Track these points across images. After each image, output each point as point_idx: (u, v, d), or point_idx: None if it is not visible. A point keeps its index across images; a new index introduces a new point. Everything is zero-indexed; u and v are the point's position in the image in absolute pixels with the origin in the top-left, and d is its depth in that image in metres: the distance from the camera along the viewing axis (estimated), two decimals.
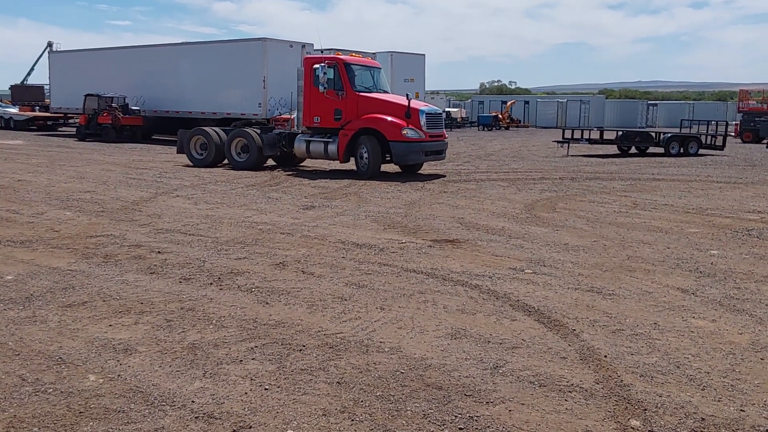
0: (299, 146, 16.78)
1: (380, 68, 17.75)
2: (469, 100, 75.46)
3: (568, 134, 26.18)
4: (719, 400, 3.87)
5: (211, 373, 4.25)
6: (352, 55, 17.31)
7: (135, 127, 28.86)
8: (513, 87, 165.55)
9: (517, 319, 5.36)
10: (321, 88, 16.15)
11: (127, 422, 3.58)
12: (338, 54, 17.08)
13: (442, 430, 3.55)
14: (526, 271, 6.92)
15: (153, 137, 30.07)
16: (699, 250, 7.92)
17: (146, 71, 29.93)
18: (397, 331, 5.07)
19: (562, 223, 9.71)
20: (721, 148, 25.73)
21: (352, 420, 3.64)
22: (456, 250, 7.93)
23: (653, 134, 26.74)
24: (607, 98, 79.26)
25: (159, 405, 3.78)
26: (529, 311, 5.57)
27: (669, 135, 26.25)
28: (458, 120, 55.20)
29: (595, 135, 27.18)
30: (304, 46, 25.40)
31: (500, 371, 4.31)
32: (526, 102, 65.93)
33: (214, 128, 18.53)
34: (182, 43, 32.60)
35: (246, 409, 3.76)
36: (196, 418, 3.64)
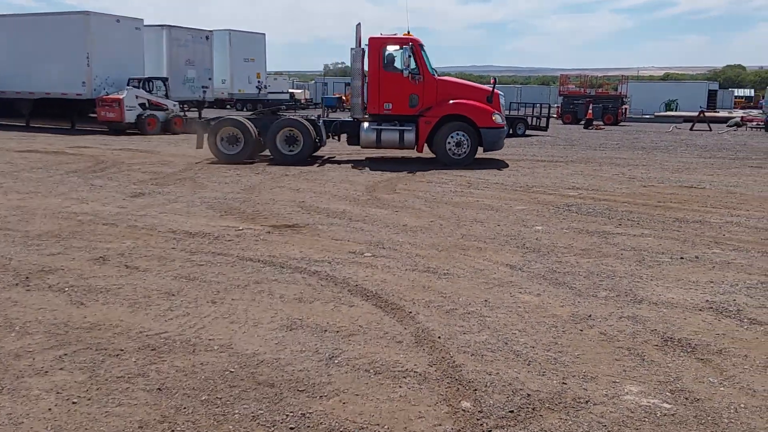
0: (368, 136, 15.23)
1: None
2: (313, 82, 75.06)
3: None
4: (543, 374, 4.01)
5: (9, 389, 3.73)
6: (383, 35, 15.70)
7: None
8: None
9: (355, 305, 5.28)
10: (405, 72, 14.95)
11: None
12: (408, 35, 15.53)
13: None
14: (365, 254, 6.87)
15: None
16: (525, 227, 8.33)
17: None
18: (228, 326, 4.78)
19: (401, 204, 9.82)
20: (545, 128, 27.65)
21: (173, 430, 3.33)
22: (296, 235, 7.72)
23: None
24: None
25: None
26: (368, 296, 5.51)
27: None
28: (302, 102, 54.70)
29: None
30: (136, 20, 23.72)
31: (336, 361, 4.18)
32: None
33: (245, 118, 15.59)
34: None
35: (49, 428, 3.32)
36: None
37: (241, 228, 8.00)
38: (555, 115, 37.58)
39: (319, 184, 11.82)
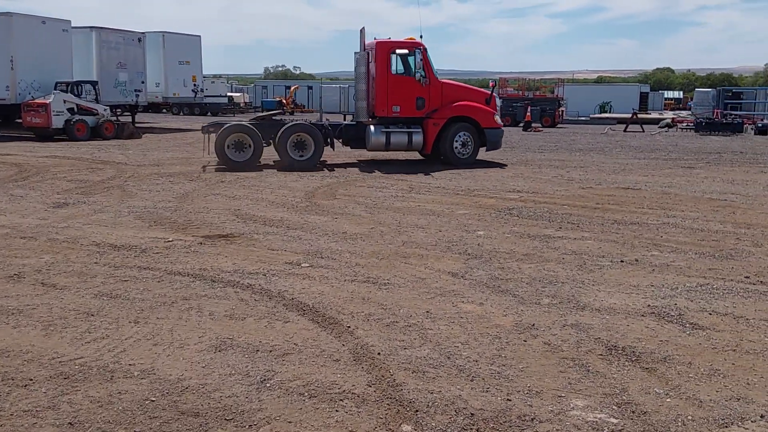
0: (378, 138, 15.36)
1: None
2: (252, 85, 74.02)
3: (349, 119, 26.43)
4: (487, 391, 3.83)
5: None
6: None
7: None
8: (297, 72, 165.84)
9: (290, 321, 4.99)
10: (417, 75, 15.36)
11: None
12: (412, 39, 15.80)
13: None
14: (302, 264, 6.59)
15: None
16: (467, 232, 8.20)
17: None
18: (151, 348, 4.43)
19: (341, 211, 9.57)
20: None
21: None
22: (229, 246, 7.37)
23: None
24: None
25: None
26: (304, 310, 5.23)
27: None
28: (241, 105, 53.83)
29: None
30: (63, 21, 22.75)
31: (268, 385, 3.89)
32: (310, 87, 66.24)
33: (249, 123, 15.20)
34: None
35: None
36: None
37: (170, 239, 7.59)
38: None
39: (256, 190, 11.44)
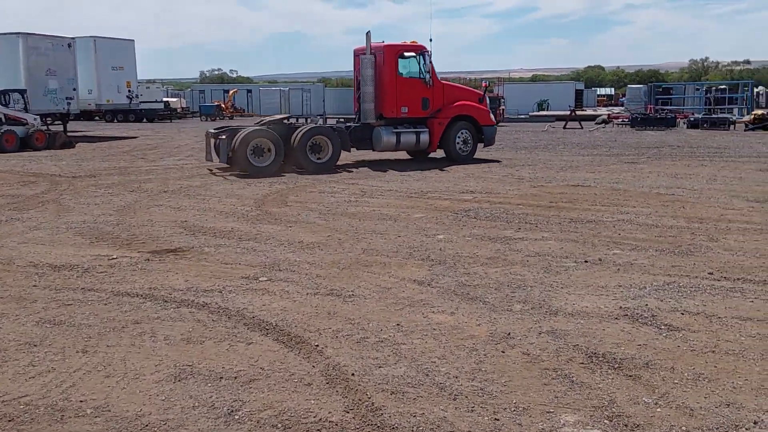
0: (389, 139, 16.00)
1: None
2: (189, 89, 72.38)
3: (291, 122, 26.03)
4: (472, 410, 3.62)
5: None
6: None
7: None
8: (234, 75, 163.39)
9: (253, 342, 4.68)
10: (427, 77, 16.25)
11: None
12: (415, 42, 16.72)
13: None
14: (260, 278, 6.26)
15: None
16: (427, 236, 8.01)
17: None
18: (103, 381, 4.05)
19: (295, 219, 9.24)
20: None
21: None
22: (179, 261, 6.96)
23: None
24: (326, 86, 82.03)
25: None
26: (267, 329, 4.92)
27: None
28: (178, 110, 52.50)
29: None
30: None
31: (236, 417, 3.59)
32: (249, 91, 65.26)
33: (268, 128, 14.94)
34: None
35: None
36: None
37: (115, 257, 7.13)
38: None
39: (202, 200, 10.98)
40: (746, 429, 3.36)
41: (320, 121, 17.51)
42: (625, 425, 3.43)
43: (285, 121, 16.01)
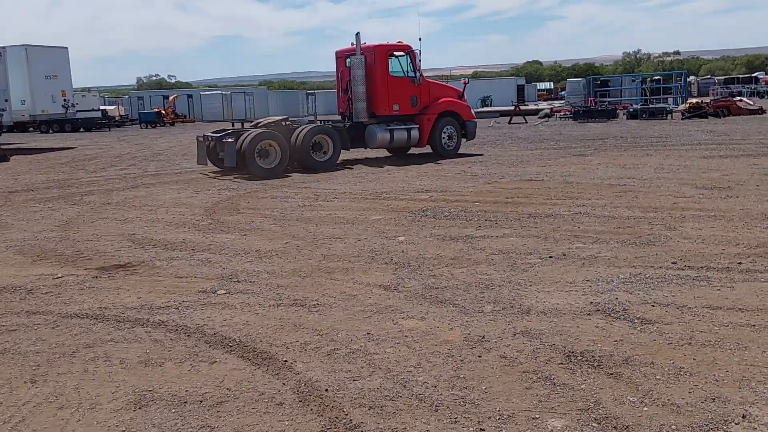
0: (383, 136, 16.54)
1: None
2: (127, 96, 70.43)
3: (237, 126, 25.56)
4: (456, 422, 3.46)
5: None
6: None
7: None
8: (173, 81, 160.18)
9: (217, 360, 4.41)
10: (417, 75, 16.98)
11: None
12: (401, 42, 17.26)
13: None
14: (218, 292, 5.97)
15: None
16: (388, 238, 7.85)
17: None
18: (56, 413, 3.73)
19: (249, 226, 8.94)
20: None
21: None
22: (130, 277, 6.60)
23: (320, 122, 27.60)
24: (269, 89, 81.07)
25: None
26: (230, 346, 4.66)
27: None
28: (116, 118, 50.96)
29: None
30: None
31: None
32: (190, 96, 63.86)
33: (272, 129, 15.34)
34: None
35: None
36: None
37: (60, 275, 6.71)
38: None
39: (149, 210, 10.55)
40: (736, 423, 3.30)
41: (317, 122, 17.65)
42: (615, 427, 3.32)
43: (284, 122, 16.25)
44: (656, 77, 51.75)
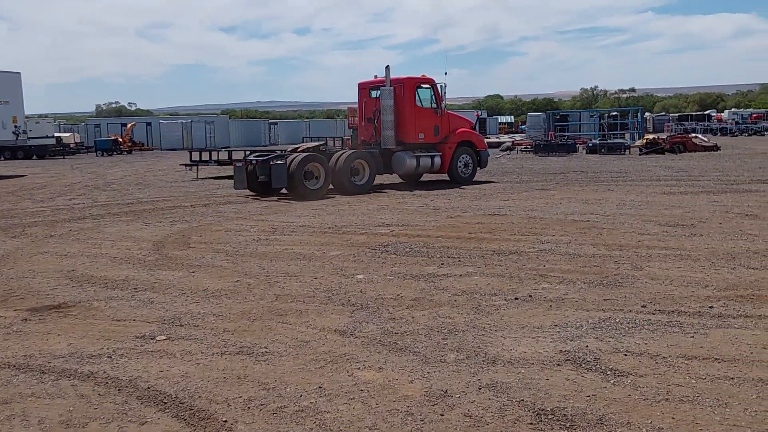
0: (411, 162, 17.71)
1: None
2: (84, 124, 69.03)
3: (195, 156, 25.06)
4: None
5: None
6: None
7: None
8: (133, 108, 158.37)
9: (148, 421, 3.92)
10: (441, 106, 18.41)
11: None
12: (424, 76, 18.47)
13: None
14: (158, 338, 5.46)
15: None
16: (346, 276, 7.44)
17: None
18: None
19: (198, 262, 8.43)
20: None
21: None
22: (63, 319, 6.04)
23: (280, 152, 27.18)
24: (230, 118, 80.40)
25: None
26: (165, 402, 4.17)
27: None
28: (71, 146, 49.69)
29: (224, 156, 26.48)
30: None
31: None
32: (149, 124, 62.84)
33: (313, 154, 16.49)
34: None
35: None
36: None
37: None
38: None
39: (93, 244, 9.94)
40: None
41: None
42: None
43: (321, 147, 17.75)
44: (613, 113, 52.75)
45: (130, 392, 4.35)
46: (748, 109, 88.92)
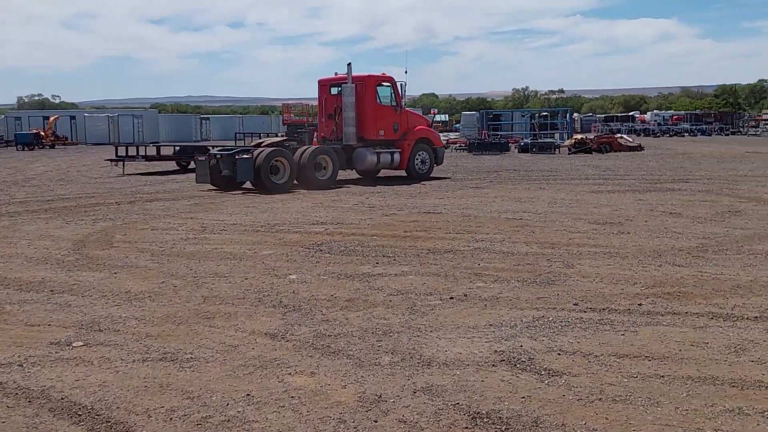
0: (371, 158, 18.11)
1: None
2: (3, 116, 65.69)
3: (122, 151, 24.19)
4: None
5: None
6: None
7: None
8: (57, 101, 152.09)
9: None
10: (402, 104, 18.89)
11: None
12: (384, 74, 19.05)
13: None
14: (74, 344, 5.13)
15: None
16: (278, 277, 7.22)
17: None
18: None
19: (121, 263, 8.03)
20: None
21: None
22: None
23: (210, 148, 26.49)
24: (160, 112, 78.07)
25: None
26: (79, 414, 3.89)
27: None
28: None
29: (152, 151, 25.63)
30: None
31: None
32: (73, 117, 60.32)
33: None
34: None
35: None
36: None
37: None
38: None
39: (8, 244, 9.35)
40: None
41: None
42: None
43: (286, 143, 18.06)
44: (544, 113, 54.04)
45: (41, 404, 4.04)
46: (669, 111, 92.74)
